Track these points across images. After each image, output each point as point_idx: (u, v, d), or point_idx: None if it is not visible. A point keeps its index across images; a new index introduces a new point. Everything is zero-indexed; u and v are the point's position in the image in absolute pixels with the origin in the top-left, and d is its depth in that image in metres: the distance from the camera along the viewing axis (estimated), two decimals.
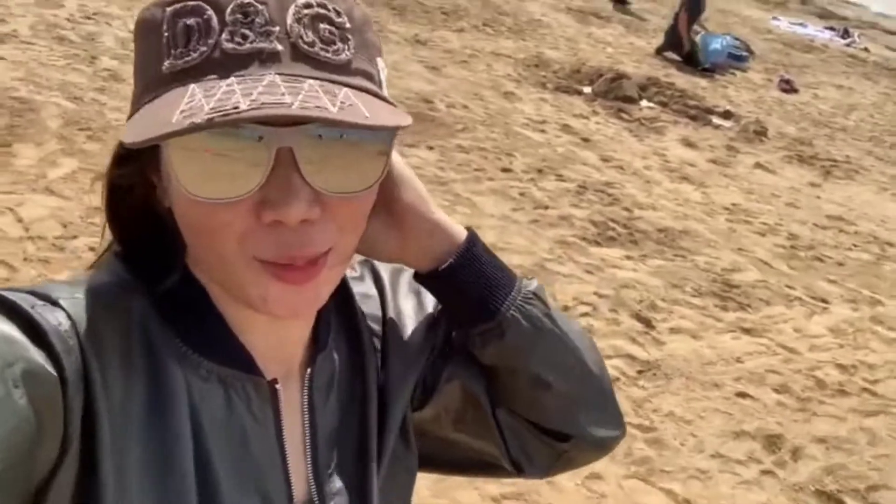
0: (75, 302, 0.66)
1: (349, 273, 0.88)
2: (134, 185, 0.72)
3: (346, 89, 0.62)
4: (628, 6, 14.57)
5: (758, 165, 7.67)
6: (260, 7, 0.62)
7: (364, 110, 0.60)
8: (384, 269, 0.92)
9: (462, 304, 0.85)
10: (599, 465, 3.37)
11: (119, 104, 5.59)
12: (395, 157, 0.77)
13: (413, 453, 0.90)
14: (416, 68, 8.09)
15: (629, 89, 8.92)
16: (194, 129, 0.56)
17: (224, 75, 0.61)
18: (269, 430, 0.75)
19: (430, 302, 0.91)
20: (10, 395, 0.57)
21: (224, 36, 0.62)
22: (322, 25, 0.64)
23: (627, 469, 3.27)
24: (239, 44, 0.61)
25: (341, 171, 0.65)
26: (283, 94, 0.58)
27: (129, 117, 0.66)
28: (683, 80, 10.14)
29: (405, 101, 6.86)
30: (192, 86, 0.60)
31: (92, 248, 3.93)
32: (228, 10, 0.62)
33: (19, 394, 0.58)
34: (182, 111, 0.58)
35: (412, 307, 0.91)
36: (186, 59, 0.62)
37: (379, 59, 0.70)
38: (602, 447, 0.96)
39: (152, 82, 0.64)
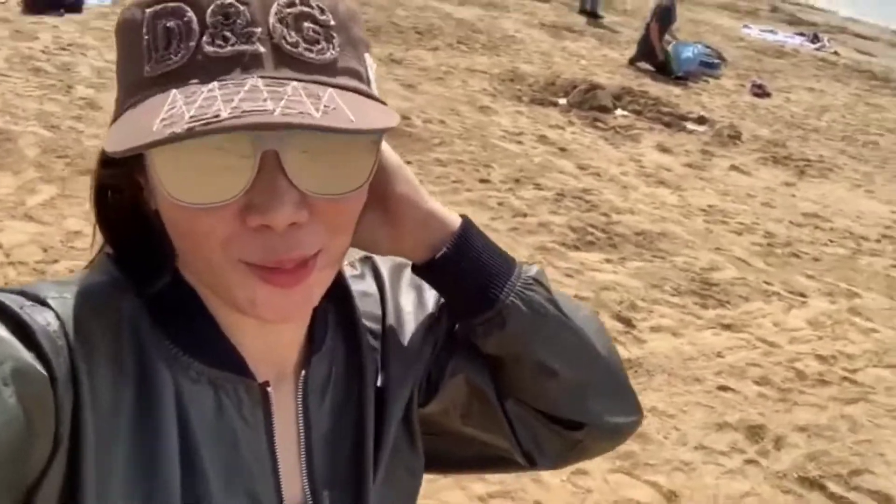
0: (64, 302, 0.66)
1: (349, 271, 0.87)
2: (121, 185, 0.71)
3: (330, 90, 0.61)
4: (600, 20, 14.76)
5: (733, 168, 7.77)
6: (241, 7, 0.61)
7: (349, 113, 0.59)
8: (385, 267, 0.91)
9: (461, 294, 0.83)
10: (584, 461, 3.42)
11: (96, 131, 5.62)
12: (386, 149, 0.76)
13: (418, 455, 0.88)
14: (392, 86, 8.16)
15: (604, 99, 9.02)
16: (174, 138, 0.55)
17: (206, 80, 0.59)
18: (260, 434, 0.74)
19: (431, 297, 0.90)
20: None
21: (205, 38, 0.60)
22: (306, 24, 0.63)
23: (612, 463, 3.30)
24: (220, 46, 0.60)
25: (329, 172, 0.64)
26: (265, 100, 0.56)
27: (113, 121, 0.65)
28: (657, 89, 10.27)
29: None
30: (173, 91, 0.59)
31: (72, 272, 3.95)
32: (209, 11, 0.61)
33: (9, 392, 0.57)
34: (163, 119, 0.57)
35: (413, 304, 0.89)
36: (167, 62, 0.61)
37: (367, 55, 0.69)
38: (617, 434, 0.93)
39: (134, 86, 0.63)
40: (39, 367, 0.60)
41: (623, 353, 4.17)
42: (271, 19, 0.61)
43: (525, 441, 0.90)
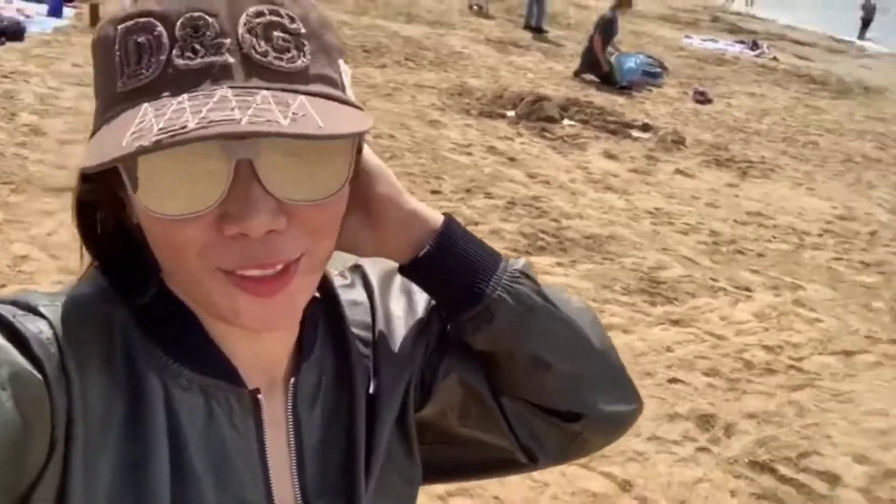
0: (56, 310, 0.66)
1: (339, 281, 0.87)
2: (102, 200, 0.71)
3: (301, 97, 0.60)
4: (545, 34, 15.03)
5: (677, 171, 7.96)
6: (210, 19, 0.61)
7: (318, 119, 0.59)
8: (374, 275, 0.91)
9: (448, 291, 0.82)
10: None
11: (41, 157, 5.58)
12: (367, 151, 0.76)
13: (415, 462, 0.87)
14: None
15: (550, 110, 9.19)
16: (142, 151, 0.55)
17: (176, 92, 0.60)
18: (251, 442, 0.74)
19: (421, 301, 0.89)
20: None
21: (175, 52, 0.61)
22: (275, 33, 0.63)
23: None
24: (190, 59, 0.60)
25: (304, 178, 0.64)
26: (232, 110, 0.57)
27: (91, 136, 0.65)
28: (602, 99, 10.48)
29: None
30: (144, 105, 0.60)
31: None
32: (178, 24, 0.61)
33: (6, 396, 0.58)
34: (133, 132, 0.57)
35: (402, 309, 0.89)
36: (139, 77, 0.61)
37: (340, 62, 0.69)
38: (617, 424, 0.92)
39: (109, 102, 0.64)
40: (35, 371, 0.61)
41: None
42: (240, 30, 0.62)
43: (524, 438, 0.89)
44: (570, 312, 0.86)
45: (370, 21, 13.19)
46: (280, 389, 0.77)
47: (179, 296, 0.72)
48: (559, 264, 5.34)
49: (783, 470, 3.56)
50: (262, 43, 0.62)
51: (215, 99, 0.58)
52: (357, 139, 0.68)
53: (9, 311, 0.64)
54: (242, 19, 0.62)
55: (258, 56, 0.61)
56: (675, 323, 4.79)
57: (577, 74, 11.86)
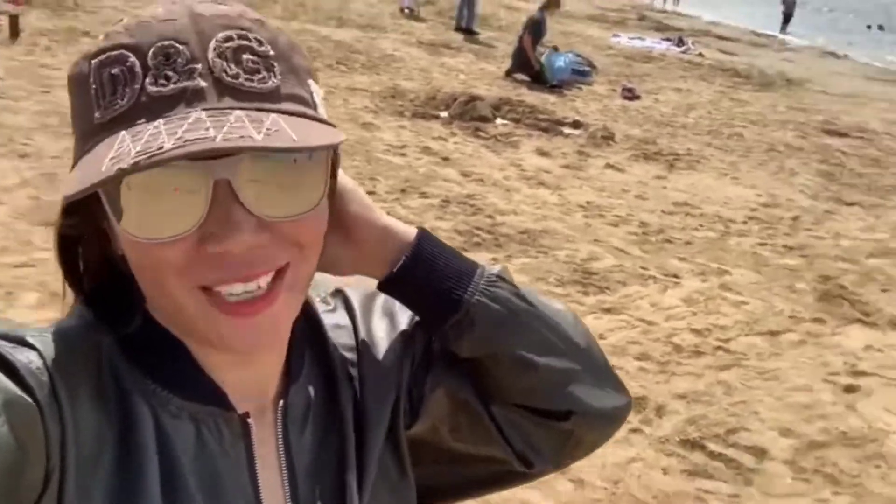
0: (45, 340, 0.67)
1: (321, 307, 0.88)
2: (85, 234, 0.72)
3: (273, 115, 0.62)
4: (476, 36, 15.18)
5: (608, 166, 8.14)
6: (180, 47, 0.63)
7: (291, 133, 0.60)
8: (355, 298, 0.92)
9: (427, 302, 0.84)
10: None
11: None
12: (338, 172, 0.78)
13: (408, 479, 0.88)
14: None
15: (483, 109, 9.31)
16: (121, 174, 0.57)
17: (151, 118, 0.61)
18: (242, 467, 0.74)
19: (403, 321, 0.90)
20: None
21: (148, 80, 0.62)
22: (245, 56, 0.64)
23: None
24: (163, 85, 0.62)
25: (283, 194, 0.65)
26: (207, 129, 0.58)
27: (71, 170, 0.67)
28: (533, 98, 10.64)
29: None
30: (122, 133, 0.61)
31: None
32: (150, 53, 0.63)
33: (0, 421, 0.58)
34: (111, 157, 0.58)
35: (385, 330, 0.90)
36: (115, 107, 0.63)
37: (311, 82, 0.70)
38: (607, 419, 0.93)
39: (87, 134, 0.65)
40: (29, 399, 0.62)
41: None
42: (210, 54, 0.63)
43: (518, 444, 0.90)
44: (550, 312, 0.87)
45: (300, 26, 13.15)
46: (270, 413, 0.78)
47: (165, 324, 0.73)
48: (494, 259, 5.43)
49: (712, 446, 3.71)
50: (233, 66, 0.64)
51: (190, 121, 0.59)
52: (331, 155, 0.69)
53: None
54: (212, 45, 0.64)
55: (229, 79, 0.63)
56: (608, 311, 4.92)
57: (508, 74, 12.02)
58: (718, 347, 4.63)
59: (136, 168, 0.56)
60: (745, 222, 7.01)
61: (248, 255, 0.64)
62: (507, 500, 3.00)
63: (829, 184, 8.70)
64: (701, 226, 6.76)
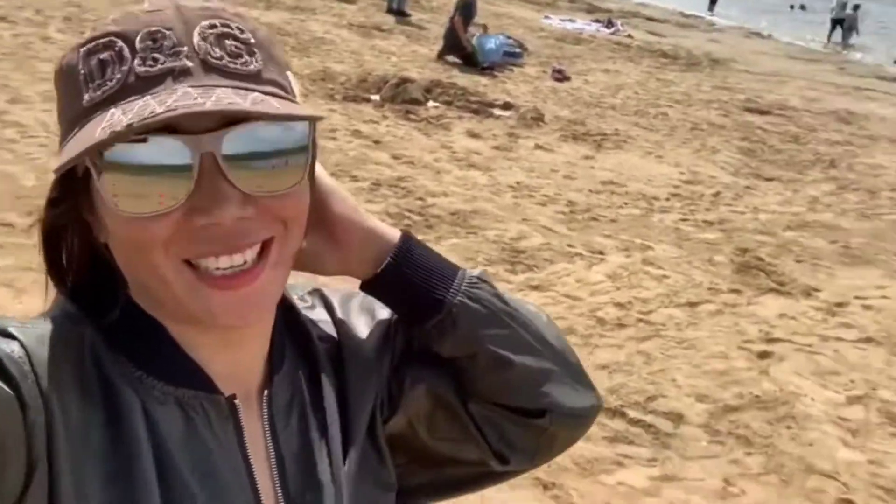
0: (26, 331, 0.67)
1: (300, 304, 0.89)
2: (69, 225, 0.72)
3: (257, 93, 0.65)
4: (408, 18, 15.17)
5: (537, 147, 8.29)
6: (167, 32, 0.66)
7: (276, 105, 0.64)
8: (334, 296, 0.94)
9: (410, 302, 0.86)
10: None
11: None
12: (321, 172, 0.79)
13: (388, 468, 0.89)
14: None
15: (414, 92, 9.36)
16: (116, 137, 0.59)
17: (141, 95, 0.63)
18: (233, 447, 0.75)
19: (383, 316, 0.92)
20: None
21: (136, 62, 0.65)
22: (228, 42, 0.68)
23: None
24: (151, 66, 0.65)
25: (266, 171, 0.67)
26: (195, 98, 0.61)
27: (58, 154, 0.68)
28: (465, 80, 10.73)
29: None
30: (111, 109, 0.63)
31: None
32: (138, 38, 0.66)
33: None
34: (102, 127, 0.61)
35: (365, 323, 0.92)
36: (104, 88, 0.65)
37: (288, 73, 0.73)
38: (580, 418, 0.96)
39: (75, 118, 0.67)
40: (8, 391, 0.62)
41: None
42: (195, 39, 0.66)
43: (494, 441, 0.92)
44: (527, 313, 0.90)
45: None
46: (254, 402, 0.79)
47: (148, 310, 0.74)
48: (424, 240, 5.51)
49: (632, 413, 3.87)
50: (217, 49, 0.67)
51: (179, 93, 0.62)
52: (312, 139, 0.71)
53: None
54: (197, 30, 0.67)
55: (214, 60, 0.66)
56: (535, 288, 5.06)
57: (440, 57, 12.07)
58: (640, 320, 4.82)
59: (129, 130, 0.59)
60: (667, 199, 7.24)
61: (233, 227, 0.66)
62: None
63: (749, 160, 9.02)
64: (626, 203, 6.96)
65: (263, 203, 0.68)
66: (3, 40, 8.58)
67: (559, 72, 12.23)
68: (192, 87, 0.63)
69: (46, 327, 0.70)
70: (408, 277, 0.84)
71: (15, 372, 0.63)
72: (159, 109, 0.60)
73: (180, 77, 0.64)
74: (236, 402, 0.75)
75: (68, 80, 0.68)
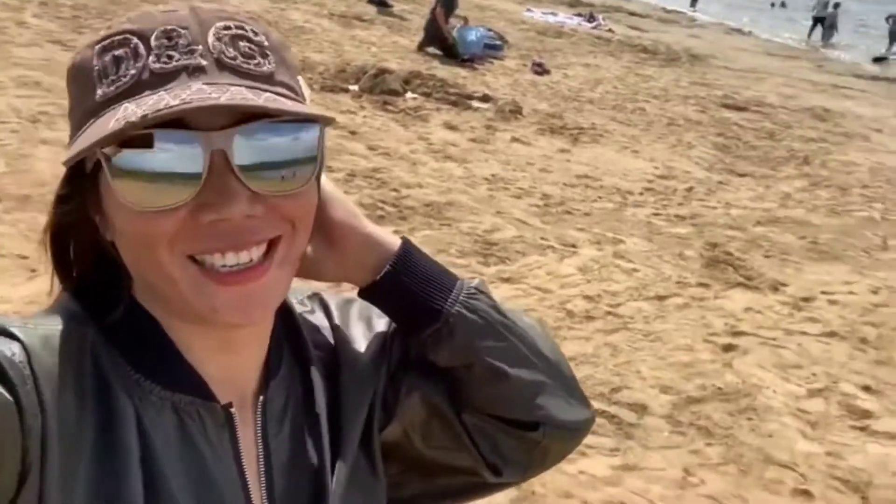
0: (27, 332, 0.67)
1: (299, 308, 0.89)
2: (77, 223, 0.73)
3: (269, 93, 0.66)
4: (390, 9, 15.14)
5: (514, 140, 8.33)
6: (182, 31, 0.67)
7: (289, 104, 0.65)
8: (333, 301, 0.94)
9: (407, 310, 0.86)
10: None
11: None
12: (323, 177, 0.79)
13: (380, 480, 0.89)
14: None
15: (393, 83, 9.37)
16: (130, 127, 0.60)
17: (155, 90, 0.64)
18: (227, 455, 0.75)
19: (380, 325, 0.93)
20: None
21: (151, 58, 0.66)
22: (242, 43, 0.68)
23: None
24: (165, 63, 0.65)
25: (275, 171, 0.68)
26: (210, 93, 0.62)
27: (68, 148, 0.68)
28: (445, 72, 10.75)
29: None
30: (124, 104, 0.64)
31: None
32: (153, 36, 0.66)
33: None
34: (116, 119, 0.62)
35: (362, 331, 0.92)
36: (118, 84, 0.66)
37: (300, 78, 0.74)
38: (573, 431, 0.96)
39: (87, 112, 0.67)
40: (7, 395, 0.62)
41: None
42: (210, 38, 0.67)
43: (487, 452, 0.92)
44: (523, 325, 0.91)
45: None
46: (249, 408, 0.79)
47: (152, 311, 0.74)
48: (397, 232, 5.53)
49: (596, 404, 3.92)
50: (231, 50, 0.68)
51: (192, 89, 0.63)
52: (322, 140, 0.72)
53: None
54: (212, 31, 0.68)
55: (228, 60, 0.67)
56: (506, 280, 5.11)
57: (420, 48, 12.08)
58: (608, 312, 4.87)
59: (143, 121, 0.60)
60: (641, 194, 7.31)
61: (241, 224, 0.67)
62: None
63: (724, 156, 9.11)
64: (600, 197, 7.02)
65: (272, 202, 0.68)
66: None
67: (539, 65, 12.28)
68: (207, 83, 0.64)
69: (49, 327, 0.70)
70: (406, 286, 0.84)
71: (14, 376, 0.63)
72: (173, 102, 0.61)
73: (195, 74, 0.65)
74: (233, 410, 0.76)
75: (81, 77, 0.69)
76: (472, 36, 12.31)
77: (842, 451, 3.81)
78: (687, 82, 13.48)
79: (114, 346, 0.72)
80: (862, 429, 4.01)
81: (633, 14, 23.29)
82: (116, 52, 0.66)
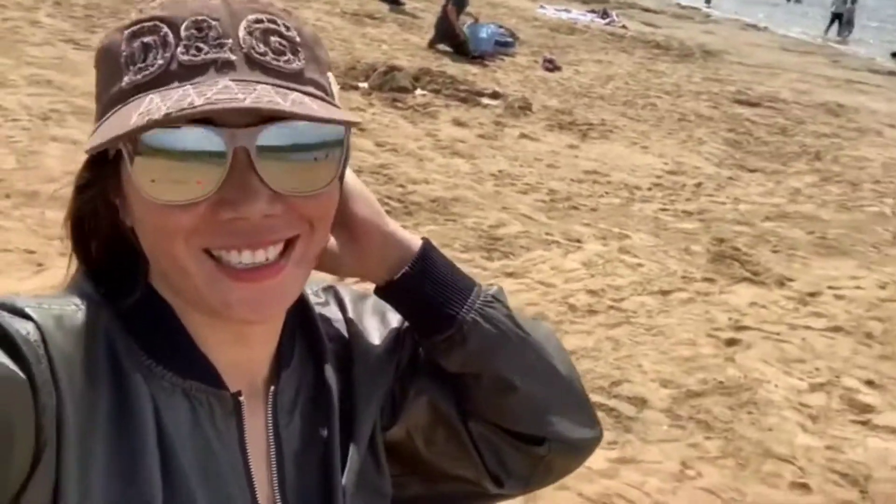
0: (43, 312, 0.67)
1: (313, 299, 0.89)
2: (97, 208, 0.73)
3: (297, 93, 0.65)
4: (402, 6, 15.16)
5: (522, 136, 8.34)
6: (213, 22, 0.66)
7: (315, 107, 0.64)
8: (347, 295, 0.93)
9: (422, 313, 0.85)
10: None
11: None
12: (348, 171, 0.78)
13: (385, 476, 0.89)
14: None
15: (402, 80, 9.39)
16: (153, 124, 0.59)
17: (181, 83, 0.63)
18: (233, 444, 0.75)
19: (393, 321, 0.92)
20: None
21: (180, 49, 0.65)
22: (273, 38, 0.67)
23: None
24: (194, 55, 0.65)
25: (297, 171, 0.67)
26: (236, 93, 0.61)
27: (91, 135, 0.68)
28: (455, 69, 10.76)
29: None
30: (150, 95, 0.63)
31: None
32: (183, 26, 0.65)
33: None
34: (140, 113, 0.61)
35: (376, 327, 0.91)
36: (145, 73, 0.65)
37: (329, 74, 0.73)
38: (578, 449, 0.95)
39: (113, 98, 0.67)
40: (20, 373, 0.61)
41: None
42: (241, 32, 0.66)
43: (491, 463, 0.91)
44: (538, 338, 0.90)
45: None
46: (260, 397, 0.79)
47: (167, 298, 0.74)
48: (402, 227, 5.57)
49: (596, 398, 3.93)
50: (262, 45, 0.66)
51: (219, 86, 0.62)
52: (346, 139, 0.71)
53: None
54: (243, 24, 0.67)
55: (258, 56, 0.66)
56: (510, 275, 5.12)
57: (431, 45, 12.09)
58: (611, 307, 4.88)
59: (167, 119, 0.59)
60: (649, 189, 7.30)
61: (259, 223, 0.66)
62: None
63: (734, 151, 9.07)
64: (607, 193, 7.02)
65: (292, 201, 0.68)
66: None
67: (550, 61, 12.26)
68: (234, 80, 0.63)
69: (64, 307, 0.70)
70: (422, 289, 0.84)
71: (29, 354, 0.63)
72: (198, 101, 0.60)
73: (223, 69, 0.64)
74: (241, 399, 0.76)
75: (109, 61, 0.68)
76: (483, 33, 12.31)
77: (842, 444, 3.81)
78: (699, 78, 13.42)
79: (127, 331, 0.72)
80: (863, 423, 3.99)
81: (646, 10, 23.18)
82: (145, 40, 0.66)
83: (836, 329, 4.99)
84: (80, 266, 0.76)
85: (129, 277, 0.74)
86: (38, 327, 0.65)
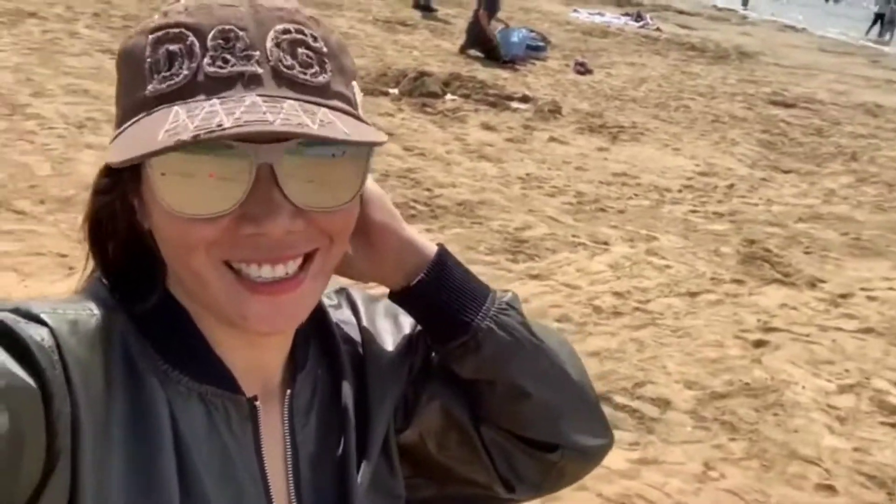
0: (57, 317, 0.66)
1: (326, 302, 0.89)
2: (115, 210, 0.72)
3: (324, 109, 0.64)
4: (434, 13, 15.24)
5: (552, 139, 8.32)
6: (240, 32, 0.65)
7: (343, 127, 0.63)
8: (360, 298, 0.94)
9: (437, 319, 0.85)
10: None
11: None
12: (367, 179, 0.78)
13: (398, 479, 0.89)
14: None
15: (432, 85, 9.43)
16: (180, 145, 0.59)
17: (207, 97, 0.63)
18: (249, 448, 0.76)
19: (407, 324, 0.92)
20: None
21: (206, 60, 0.64)
22: (300, 50, 0.67)
23: None
24: (221, 67, 0.64)
25: (320, 187, 0.67)
26: (264, 113, 0.60)
27: (113, 140, 0.67)
28: (485, 74, 10.78)
29: None
30: (175, 107, 0.63)
31: None
32: (210, 35, 0.65)
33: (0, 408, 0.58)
34: (167, 130, 0.60)
35: (389, 331, 0.91)
36: (170, 82, 0.64)
37: (354, 84, 0.73)
38: (590, 456, 0.95)
39: (136, 105, 0.66)
40: (32, 382, 0.61)
41: None
42: (268, 44, 0.65)
43: (502, 468, 0.91)
44: (551, 345, 0.90)
45: None
46: (275, 400, 0.79)
47: (184, 302, 0.74)
48: (428, 230, 5.60)
49: (619, 399, 3.92)
50: (289, 57, 0.66)
51: (246, 103, 0.61)
52: (369, 156, 0.71)
53: (10, 319, 0.64)
54: (271, 35, 0.66)
55: (285, 69, 0.65)
56: (535, 277, 5.11)
57: (462, 50, 12.13)
58: (637, 308, 4.85)
59: (195, 141, 0.59)
60: (679, 191, 7.23)
61: (280, 239, 0.67)
62: None
63: (769, 153, 8.95)
64: (636, 195, 6.97)
65: (313, 217, 0.68)
66: (32, 36, 8.81)
67: (581, 65, 12.23)
68: (261, 96, 0.63)
69: (79, 312, 0.69)
70: (437, 296, 0.84)
71: (42, 361, 0.62)
72: (227, 122, 0.59)
73: (250, 84, 0.64)
74: (257, 403, 0.76)
75: (132, 65, 0.68)
76: (515, 37, 12.31)
77: (870, 446, 3.74)
78: (735, 79, 13.28)
79: (143, 335, 0.72)
80: (892, 425, 3.92)
81: (681, 13, 23.00)
82: (171, 48, 0.65)
83: (868, 330, 4.90)
84: (94, 271, 0.76)
85: (146, 281, 0.74)
86: (53, 332, 0.65)
